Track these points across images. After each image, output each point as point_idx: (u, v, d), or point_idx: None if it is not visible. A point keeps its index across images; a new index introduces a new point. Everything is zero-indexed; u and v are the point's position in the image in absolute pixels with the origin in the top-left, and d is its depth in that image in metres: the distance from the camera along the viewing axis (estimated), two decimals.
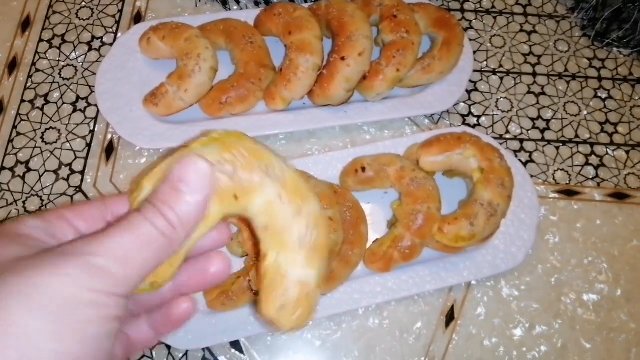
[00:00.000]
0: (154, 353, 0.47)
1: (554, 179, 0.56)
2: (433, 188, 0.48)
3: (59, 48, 0.59)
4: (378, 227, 0.52)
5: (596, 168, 0.57)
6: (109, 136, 0.56)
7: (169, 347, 0.47)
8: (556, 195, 0.55)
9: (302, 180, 0.29)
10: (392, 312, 0.50)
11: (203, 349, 0.48)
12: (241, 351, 0.48)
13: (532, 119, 0.59)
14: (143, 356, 0.47)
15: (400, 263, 0.48)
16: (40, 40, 0.59)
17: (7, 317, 0.18)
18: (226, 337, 0.47)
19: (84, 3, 0.61)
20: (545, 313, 0.51)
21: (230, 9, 0.62)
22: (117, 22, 0.61)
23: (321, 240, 0.28)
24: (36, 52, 0.58)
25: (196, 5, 0.62)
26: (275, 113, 0.56)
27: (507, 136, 0.58)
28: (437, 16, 0.56)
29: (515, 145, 0.58)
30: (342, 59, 0.52)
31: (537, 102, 0.60)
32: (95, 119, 0.56)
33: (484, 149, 0.48)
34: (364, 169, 0.50)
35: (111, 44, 0.60)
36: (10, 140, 0.54)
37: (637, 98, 0.60)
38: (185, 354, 0.47)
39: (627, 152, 0.58)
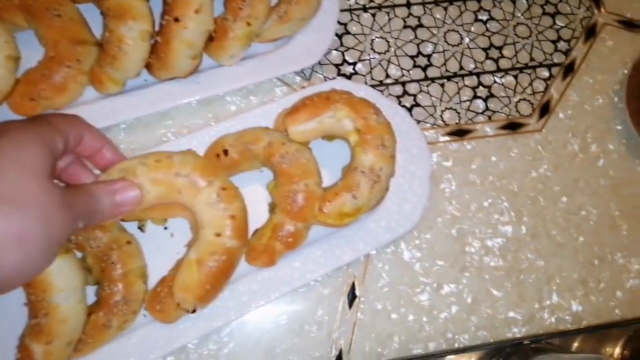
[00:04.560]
0: None
1: (442, 120, 0.51)
2: (308, 161, 0.42)
3: None
4: (259, 213, 0.45)
5: (485, 100, 0.52)
6: None
7: None
8: (447, 138, 0.51)
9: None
10: (288, 305, 0.45)
11: None
12: None
13: (412, 57, 0.53)
14: None
15: (285, 253, 0.42)
16: None
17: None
18: None
19: None
20: (452, 269, 0.47)
21: None
22: None
23: None
24: None
25: None
26: (109, 98, 0.45)
27: (388, 81, 0.51)
28: None
29: (398, 90, 0.51)
30: (176, 20, 0.42)
31: (415, 37, 0.53)
32: None
33: (357, 107, 0.41)
34: (226, 152, 0.42)
35: None
36: None
37: (519, 15, 0.56)
38: None
39: (515, 77, 0.54)
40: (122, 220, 0.41)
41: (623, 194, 0.51)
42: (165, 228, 0.43)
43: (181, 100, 0.46)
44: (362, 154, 0.41)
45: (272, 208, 0.43)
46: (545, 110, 0.53)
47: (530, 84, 0.54)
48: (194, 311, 0.38)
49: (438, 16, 0.54)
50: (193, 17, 0.43)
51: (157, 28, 0.44)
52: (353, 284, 0.45)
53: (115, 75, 0.43)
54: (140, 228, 0.42)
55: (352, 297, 0.45)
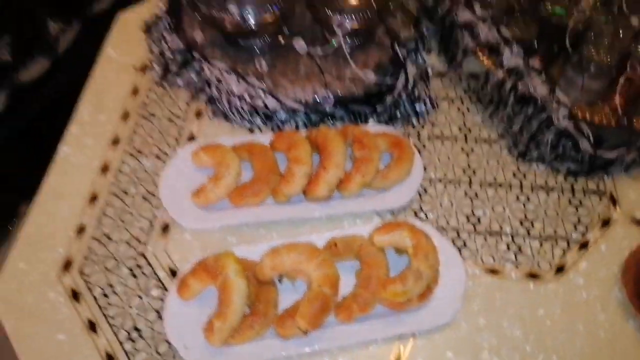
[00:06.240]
0: None
1: (481, 260, 0.75)
2: (382, 259, 0.69)
3: (136, 158, 0.86)
4: (347, 288, 0.71)
5: (515, 254, 0.76)
6: (166, 218, 0.80)
7: None
8: (483, 272, 0.74)
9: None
10: (350, 354, 0.68)
11: None
12: None
13: (467, 216, 0.79)
14: None
15: (358, 314, 0.67)
16: (125, 152, 0.86)
17: None
18: None
19: (152, 140, 0.89)
20: None
21: (253, 132, 0.89)
22: (177, 141, 0.89)
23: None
24: (122, 161, 0.86)
25: (232, 130, 0.90)
26: (279, 205, 0.79)
27: (448, 228, 0.78)
28: (393, 140, 0.81)
29: (454, 235, 0.78)
30: (324, 168, 0.76)
31: (472, 204, 0.81)
32: (157, 207, 0.81)
33: (415, 232, 0.69)
34: (335, 245, 0.72)
35: (172, 156, 0.86)
36: (99, 219, 0.79)
37: (549, 203, 0.80)
38: None
39: (541, 243, 0.77)
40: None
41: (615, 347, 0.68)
42: (293, 284, 0.72)
43: (316, 214, 0.78)
44: (413, 260, 0.67)
45: (356, 287, 0.70)
46: (560, 270, 0.74)
47: (552, 249, 0.76)
48: (306, 332, 0.64)
49: (490, 193, 0.82)
50: (334, 168, 0.76)
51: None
52: (400, 351, 0.68)
53: (286, 192, 0.77)
54: (280, 280, 0.72)
55: None
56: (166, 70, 0.95)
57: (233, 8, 0.85)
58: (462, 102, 0.91)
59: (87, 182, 0.83)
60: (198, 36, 0.92)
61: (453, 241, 0.77)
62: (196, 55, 0.91)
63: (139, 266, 0.75)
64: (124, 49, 1.00)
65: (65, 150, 0.87)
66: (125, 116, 0.91)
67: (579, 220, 0.79)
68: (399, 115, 0.89)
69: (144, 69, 0.97)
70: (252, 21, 0.87)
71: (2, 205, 1.63)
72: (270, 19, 0.88)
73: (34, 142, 1.59)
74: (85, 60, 1.79)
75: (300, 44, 0.89)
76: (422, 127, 0.89)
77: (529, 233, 0.78)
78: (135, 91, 0.94)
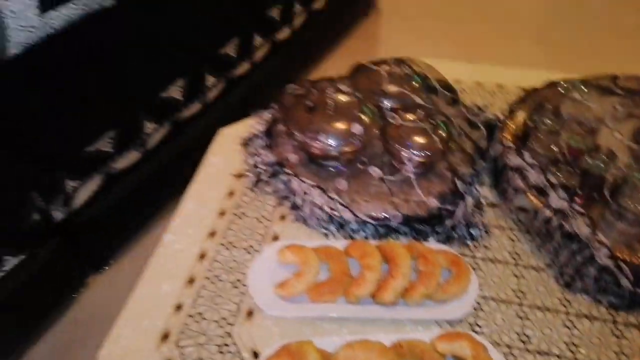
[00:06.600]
0: None
1: None
2: None
3: (229, 249, 1.01)
4: None
5: None
6: (251, 305, 0.92)
7: None
8: None
9: None
10: None
11: None
12: None
13: (518, 334, 0.88)
14: None
15: None
16: (220, 244, 1.01)
17: None
18: None
19: (243, 236, 1.05)
20: None
21: (328, 237, 1.03)
22: (263, 237, 1.04)
23: None
24: (217, 251, 1.00)
25: (309, 233, 1.04)
26: (350, 304, 0.90)
27: (501, 343, 0.87)
28: (452, 259, 0.93)
29: (506, 350, 0.86)
30: (392, 276, 0.89)
31: (522, 323, 0.90)
32: (244, 293, 0.93)
33: (474, 343, 0.78)
34: (401, 346, 0.81)
35: (258, 251, 1.00)
36: (194, 300, 0.92)
37: (594, 331, 0.89)
38: None
39: None
40: None
41: None
42: None
43: (382, 316, 0.89)
44: None
45: None
46: None
47: None
48: None
49: (539, 316, 0.91)
50: (401, 278, 0.89)
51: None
52: None
53: (356, 294, 0.89)
54: None
55: None
56: (258, 179, 1.13)
57: (322, 138, 1.05)
58: (512, 231, 1.04)
59: (186, 267, 0.97)
60: (290, 156, 1.12)
61: (505, 356, 0.85)
62: (286, 170, 1.10)
63: (226, 344, 0.85)
64: (224, 158, 1.20)
65: (170, 237, 1.03)
66: (222, 213, 1.07)
67: (621, 350, 0.86)
68: (456, 236, 1.02)
69: (239, 176, 1.15)
70: (336, 149, 1.06)
71: (72, 275, 1.78)
72: (350, 149, 1.06)
73: (116, 222, 1.79)
74: (169, 155, 2.05)
75: (375, 171, 1.06)
76: (477, 249, 1.01)
77: (575, 357, 0.85)
78: (231, 193, 1.12)
